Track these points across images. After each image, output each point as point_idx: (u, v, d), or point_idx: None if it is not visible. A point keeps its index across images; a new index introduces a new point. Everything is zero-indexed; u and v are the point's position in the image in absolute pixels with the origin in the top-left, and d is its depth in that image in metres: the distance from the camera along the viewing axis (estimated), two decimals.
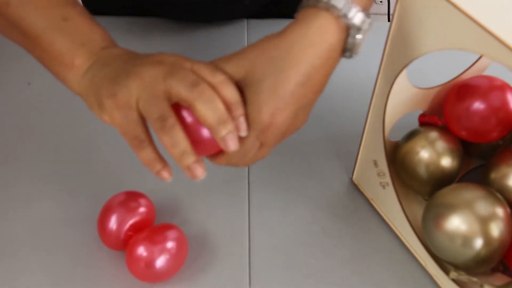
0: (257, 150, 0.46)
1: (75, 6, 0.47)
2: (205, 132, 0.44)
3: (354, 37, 0.44)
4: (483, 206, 0.48)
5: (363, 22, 0.43)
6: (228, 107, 0.42)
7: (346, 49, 0.45)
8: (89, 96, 0.45)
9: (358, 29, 0.43)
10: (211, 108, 0.41)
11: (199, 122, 0.42)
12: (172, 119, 0.41)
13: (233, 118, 0.42)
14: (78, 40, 0.45)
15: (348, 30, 0.44)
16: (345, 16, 0.43)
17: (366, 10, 0.44)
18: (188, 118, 0.44)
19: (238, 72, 0.44)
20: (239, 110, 0.43)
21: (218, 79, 0.42)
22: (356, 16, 0.43)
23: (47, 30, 0.46)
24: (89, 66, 0.45)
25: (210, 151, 0.46)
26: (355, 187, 0.62)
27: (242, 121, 0.43)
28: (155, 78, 0.41)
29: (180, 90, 0.40)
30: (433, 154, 0.55)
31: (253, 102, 0.43)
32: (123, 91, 0.41)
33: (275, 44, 0.44)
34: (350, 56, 0.46)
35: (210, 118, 0.41)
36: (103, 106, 0.43)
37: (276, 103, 0.43)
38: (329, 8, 0.43)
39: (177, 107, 0.43)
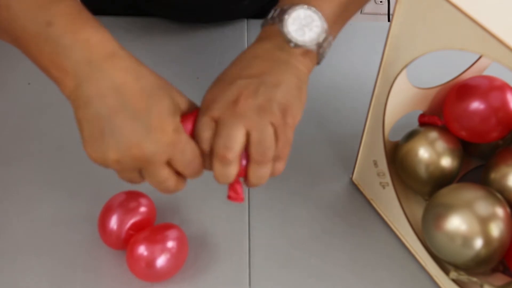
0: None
1: (60, 3, 0.42)
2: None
3: (282, 28, 0.47)
4: (483, 206, 0.48)
5: (324, 39, 0.47)
6: None
7: (288, 41, 0.47)
8: (83, 130, 0.43)
9: (282, 20, 0.47)
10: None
11: None
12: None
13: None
14: (61, 52, 0.41)
15: (279, 26, 0.47)
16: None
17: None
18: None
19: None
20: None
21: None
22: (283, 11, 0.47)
23: (33, 39, 0.41)
24: (74, 88, 0.42)
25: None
26: (355, 187, 0.62)
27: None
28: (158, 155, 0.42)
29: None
30: (433, 154, 0.55)
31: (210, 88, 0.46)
32: (125, 160, 0.42)
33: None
34: (297, 45, 0.47)
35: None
36: (107, 153, 0.42)
37: (215, 84, 0.46)
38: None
39: None
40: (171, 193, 0.45)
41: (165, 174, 0.43)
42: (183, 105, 0.44)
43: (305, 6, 0.47)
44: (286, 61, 0.47)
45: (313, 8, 0.47)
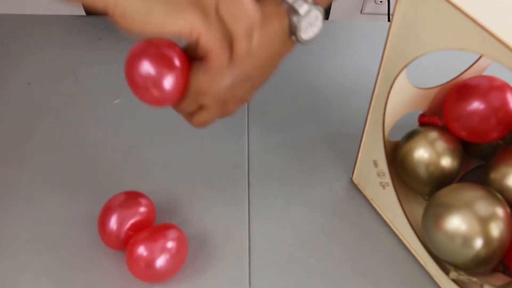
0: (200, 112, 0.49)
1: None
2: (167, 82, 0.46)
3: (295, 22, 0.48)
4: (483, 206, 0.48)
5: (306, 9, 0.48)
6: None
7: (292, 33, 0.49)
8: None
9: (300, 15, 0.47)
10: None
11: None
12: None
13: None
14: None
15: (290, 14, 0.48)
16: (284, 1, 0.48)
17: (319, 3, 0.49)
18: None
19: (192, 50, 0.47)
20: None
21: None
22: (297, 2, 0.48)
23: None
24: None
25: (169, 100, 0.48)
26: (355, 187, 0.62)
27: None
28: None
29: None
30: (433, 154, 0.55)
31: (194, 70, 0.46)
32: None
33: None
34: (300, 42, 0.49)
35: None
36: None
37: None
38: None
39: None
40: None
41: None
42: None
43: (318, 6, 0.49)
44: (281, 54, 0.49)
45: (319, 6, 0.48)
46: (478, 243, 0.47)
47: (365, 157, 0.58)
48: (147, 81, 0.45)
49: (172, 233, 0.51)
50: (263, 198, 0.61)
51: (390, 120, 0.54)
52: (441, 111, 0.58)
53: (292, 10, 0.48)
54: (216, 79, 0.46)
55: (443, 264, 0.53)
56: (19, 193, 0.60)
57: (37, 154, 0.63)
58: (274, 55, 0.49)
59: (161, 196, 0.59)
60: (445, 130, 0.57)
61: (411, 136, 0.56)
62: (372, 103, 0.54)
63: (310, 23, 0.49)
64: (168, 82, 0.46)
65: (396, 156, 0.57)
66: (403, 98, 0.54)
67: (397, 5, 0.46)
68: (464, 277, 0.50)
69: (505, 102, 0.54)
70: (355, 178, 0.62)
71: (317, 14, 0.49)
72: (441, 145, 0.55)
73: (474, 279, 0.49)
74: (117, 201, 0.53)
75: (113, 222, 0.51)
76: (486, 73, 0.61)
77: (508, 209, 0.49)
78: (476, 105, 0.54)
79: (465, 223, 0.48)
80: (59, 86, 0.72)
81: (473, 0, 0.41)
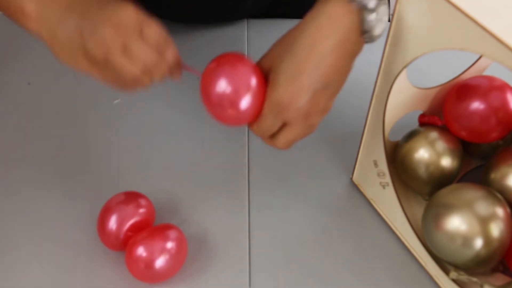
0: (284, 131, 0.48)
1: None
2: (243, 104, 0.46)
3: (367, 19, 0.46)
4: (483, 206, 0.48)
5: (375, 4, 0.46)
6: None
7: (364, 31, 0.47)
8: (54, 47, 0.46)
9: (371, 11, 0.46)
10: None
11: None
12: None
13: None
14: None
15: (361, 12, 0.46)
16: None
17: None
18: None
19: (266, 65, 0.48)
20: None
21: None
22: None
23: None
24: (40, 14, 0.46)
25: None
26: (355, 187, 0.62)
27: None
28: (110, 41, 0.43)
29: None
30: (433, 154, 0.55)
31: (272, 84, 0.46)
32: (90, 50, 0.44)
33: (290, 33, 0.48)
34: (370, 39, 0.48)
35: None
36: (78, 61, 0.46)
37: (293, 83, 0.46)
38: None
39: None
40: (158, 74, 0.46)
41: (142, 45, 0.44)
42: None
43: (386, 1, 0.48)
44: (354, 54, 0.48)
45: (385, 0, 0.47)
46: (478, 243, 0.47)
47: (365, 157, 0.58)
48: (223, 100, 0.45)
49: (171, 234, 0.51)
50: (263, 198, 0.61)
51: (390, 120, 0.54)
52: (441, 111, 0.58)
53: (362, 8, 0.46)
54: (297, 91, 0.46)
55: (443, 264, 0.53)
56: (19, 193, 0.60)
57: (37, 154, 0.63)
58: (348, 57, 0.48)
59: (161, 196, 0.59)
60: (445, 130, 0.57)
61: (411, 136, 0.56)
62: (372, 103, 0.54)
63: (379, 19, 0.47)
64: (245, 101, 0.45)
65: (396, 156, 0.57)
66: (403, 98, 0.54)
67: (397, 5, 0.46)
68: (464, 277, 0.50)
69: (505, 102, 0.54)
70: (355, 178, 0.62)
71: (384, 8, 0.47)
72: (441, 145, 0.55)
73: (474, 279, 0.49)
74: (116, 202, 0.53)
75: (112, 223, 0.51)
76: (486, 73, 0.60)
77: (508, 209, 0.49)
78: (476, 105, 0.54)
79: (465, 223, 0.48)
80: (59, 86, 0.72)
81: (473, 0, 0.41)
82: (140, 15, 0.44)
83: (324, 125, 0.68)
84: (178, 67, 0.47)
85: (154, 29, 0.45)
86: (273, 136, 0.49)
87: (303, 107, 0.46)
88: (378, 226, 0.59)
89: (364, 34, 0.47)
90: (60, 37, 0.45)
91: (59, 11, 0.45)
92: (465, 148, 0.58)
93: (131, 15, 0.44)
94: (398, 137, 0.58)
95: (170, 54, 0.46)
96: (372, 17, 0.46)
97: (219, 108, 0.46)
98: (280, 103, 0.46)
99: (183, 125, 0.67)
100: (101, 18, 0.43)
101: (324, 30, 0.46)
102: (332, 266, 0.55)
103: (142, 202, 0.53)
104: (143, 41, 0.44)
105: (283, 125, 0.48)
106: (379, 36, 0.48)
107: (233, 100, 0.45)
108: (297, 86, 0.46)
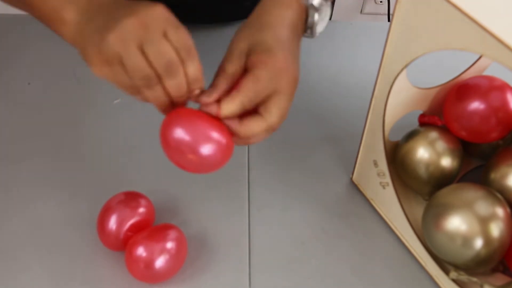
0: (277, 99, 0.46)
1: None
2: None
3: (312, 17, 0.49)
4: (483, 206, 0.48)
5: (320, 4, 0.50)
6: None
7: (307, 28, 0.50)
8: (81, 50, 0.46)
9: (316, 10, 0.49)
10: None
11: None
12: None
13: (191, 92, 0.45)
14: None
15: (307, 10, 0.49)
16: None
17: None
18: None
19: (242, 45, 0.48)
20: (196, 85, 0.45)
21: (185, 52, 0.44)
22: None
23: None
24: (78, 21, 0.45)
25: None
26: (355, 187, 0.62)
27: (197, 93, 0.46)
28: (129, 35, 0.42)
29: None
30: (433, 154, 0.55)
31: (266, 51, 0.46)
32: (105, 47, 0.42)
33: (253, 16, 0.51)
34: (311, 35, 0.51)
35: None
36: (92, 61, 0.44)
37: (282, 48, 0.46)
38: None
39: None
40: (176, 72, 0.44)
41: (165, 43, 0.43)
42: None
43: (328, 2, 0.51)
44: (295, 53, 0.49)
45: (329, 2, 0.50)
46: (478, 243, 0.47)
47: (365, 157, 0.58)
48: (182, 146, 0.45)
49: (171, 234, 0.51)
50: (263, 198, 0.61)
51: (390, 120, 0.54)
52: (441, 111, 0.58)
53: (309, 5, 0.49)
54: (290, 58, 0.47)
55: (443, 264, 0.53)
56: (19, 193, 0.60)
57: (37, 154, 0.63)
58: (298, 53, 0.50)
59: (160, 196, 0.59)
60: (445, 130, 0.57)
61: (411, 136, 0.56)
62: (372, 103, 0.54)
63: (322, 18, 0.49)
64: (206, 148, 0.44)
65: (396, 156, 0.57)
66: (403, 98, 0.54)
67: (397, 5, 0.46)
68: (464, 277, 0.50)
69: (505, 102, 0.54)
70: (355, 178, 0.62)
71: (327, 10, 0.50)
72: (441, 145, 0.55)
73: (474, 279, 0.49)
74: (116, 202, 0.53)
75: (112, 223, 0.51)
76: (486, 73, 0.60)
77: (508, 209, 0.49)
78: (476, 105, 0.54)
79: (465, 223, 0.48)
80: (59, 86, 0.72)
81: (473, 0, 0.41)
82: (169, 16, 0.43)
83: (324, 125, 0.69)
84: (197, 83, 0.45)
85: (180, 34, 0.43)
86: (263, 107, 0.47)
87: (295, 73, 0.47)
88: (378, 226, 0.59)
89: (306, 31, 0.50)
90: (86, 36, 0.44)
91: (92, 13, 0.45)
92: (465, 148, 0.58)
93: (160, 14, 0.43)
94: (398, 137, 0.58)
95: (192, 66, 0.44)
96: (317, 15, 0.49)
97: (178, 154, 0.45)
98: (277, 67, 0.45)
99: None
100: (127, 13, 0.42)
101: (284, 11, 0.48)
102: (332, 266, 0.55)
103: (142, 202, 0.53)
104: (166, 42, 0.42)
105: (270, 97, 0.46)
106: (319, 34, 0.51)
107: (193, 147, 0.44)
108: (287, 53, 0.46)
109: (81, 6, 0.46)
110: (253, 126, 0.46)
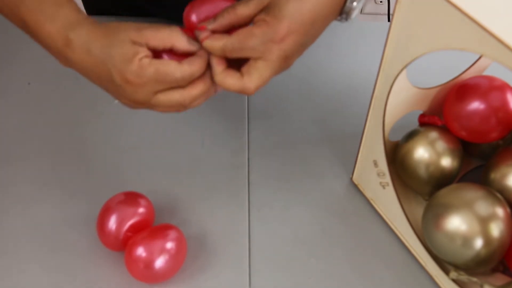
0: (261, 65, 0.46)
1: None
2: None
3: (351, 3, 0.48)
4: (483, 206, 0.48)
5: None
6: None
7: (343, 12, 0.49)
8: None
9: None
10: None
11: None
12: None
13: None
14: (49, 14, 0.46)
15: None
16: None
17: None
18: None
19: (262, 2, 0.47)
20: None
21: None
22: None
23: (30, 12, 0.47)
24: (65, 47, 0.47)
25: None
26: (355, 187, 0.62)
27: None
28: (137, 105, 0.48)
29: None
30: (433, 154, 0.55)
31: (275, 15, 0.45)
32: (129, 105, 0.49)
33: None
34: (345, 19, 0.50)
35: None
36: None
37: (295, 23, 0.46)
38: None
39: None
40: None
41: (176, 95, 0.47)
42: (144, 36, 0.46)
43: None
44: (327, 24, 0.49)
45: None
46: (478, 243, 0.47)
47: (365, 157, 0.58)
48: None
49: (171, 234, 0.51)
50: (263, 198, 0.61)
51: (390, 120, 0.54)
52: (441, 111, 0.58)
53: None
54: (297, 29, 0.46)
55: (443, 264, 0.53)
56: (19, 193, 0.59)
57: (37, 154, 0.63)
58: (324, 27, 0.49)
59: (160, 196, 0.59)
60: (445, 130, 0.56)
61: (411, 136, 0.56)
62: (372, 103, 0.54)
63: (358, 5, 0.49)
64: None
65: (396, 156, 0.57)
66: (403, 98, 0.54)
67: (397, 5, 0.46)
68: (464, 277, 0.50)
69: (505, 102, 0.54)
70: (355, 178, 0.62)
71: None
72: (441, 145, 0.55)
73: (474, 279, 0.49)
74: (116, 202, 0.53)
75: (112, 223, 0.51)
76: (486, 73, 0.60)
77: (508, 209, 0.49)
78: (476, 105, 0.54)
79: (465, 223, 0.48)
80: (59, 86, 0.72)
81: (473, 0, 0.41)
82: (135, 50, 0.45)
83: (324, 125, 0.69)
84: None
85: (168, 64, 0.46)
86: (246, 67, 0.47)
87: (294, 47, 0.46)
88: (378, 226, 0.59)
89: (342, 15, 0.49)
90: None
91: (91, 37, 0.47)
92: (465, 148, 0.58)
93: (134, 57, 0.45)
94: (398, 137, 0.58)
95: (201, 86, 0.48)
96: (354, 3, 0.48)
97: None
98: (277, 37, 0.45)
99: (183, 125, 0.67)
100: (119, 93, 0.47)
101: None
102: (332, 266, 0.55)
103: (142, 202, 0.53)
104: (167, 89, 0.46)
105: (256, 60, 0.46)
106: (350, 20, 0.50)
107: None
108: (297, 27, 0.46)
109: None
110: (229, 80, 0.47)
